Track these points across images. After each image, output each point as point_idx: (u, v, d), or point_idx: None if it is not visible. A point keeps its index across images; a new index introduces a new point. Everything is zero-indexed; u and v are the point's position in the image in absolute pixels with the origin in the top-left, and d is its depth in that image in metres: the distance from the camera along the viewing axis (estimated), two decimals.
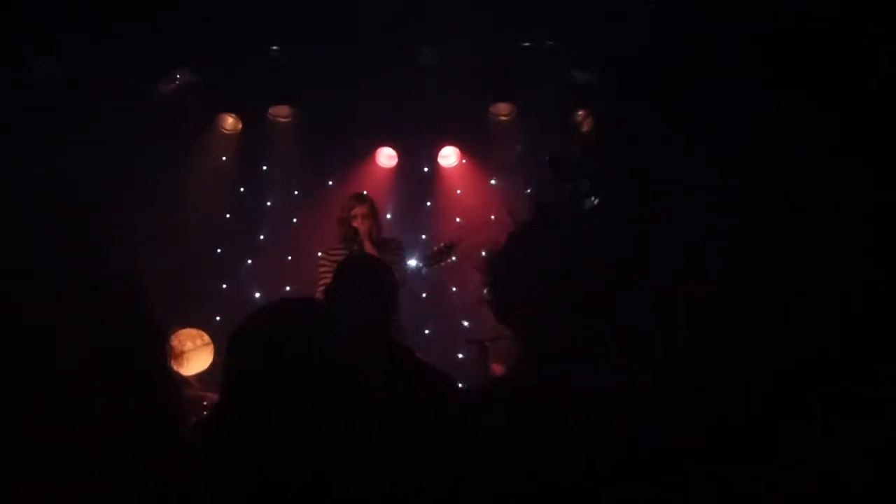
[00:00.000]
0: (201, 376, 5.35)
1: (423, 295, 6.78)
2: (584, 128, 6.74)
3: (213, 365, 5.68)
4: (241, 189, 7.04)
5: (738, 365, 1.30)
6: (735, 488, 1.28)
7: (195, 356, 5.63)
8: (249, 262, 6.97)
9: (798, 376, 1.28)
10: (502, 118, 6.86)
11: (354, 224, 5.26)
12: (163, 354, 1.75)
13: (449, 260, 5.49)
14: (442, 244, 5.61)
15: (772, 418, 1.27)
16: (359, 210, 5.30)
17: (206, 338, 5.83)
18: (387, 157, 7.02)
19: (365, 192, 5.67)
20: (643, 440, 1.32)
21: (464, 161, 7.08)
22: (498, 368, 4.61)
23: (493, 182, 7.05)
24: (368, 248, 5.21)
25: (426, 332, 6.65)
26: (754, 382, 1.29)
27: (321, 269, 5.28)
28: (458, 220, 7.01)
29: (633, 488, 1.32)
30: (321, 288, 4.94)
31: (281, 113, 6.83)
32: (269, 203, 7.09)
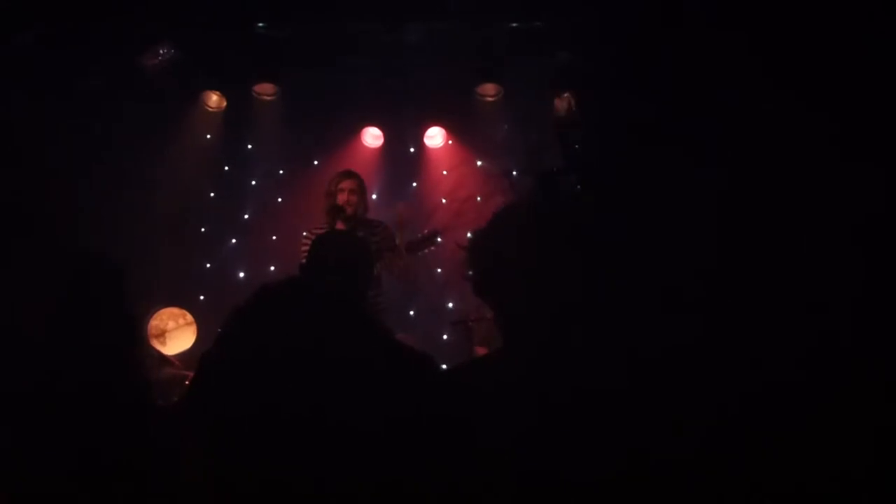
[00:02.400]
0: (184, 355, 5.33)
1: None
2: (562, 110, 6.72)
3: (195, 344, 5.66)
4: (226, 168, 6.99)
5: (724, 357, 1.29)
6: (729, 484, 1.27)
7: (178, 335, 5.62)
8: (234, 241, 6.94)
9: (792, 372, 1.27)
10: (489, 99, 6.83)
11: (340, 197, 5.23)
12: (139, 334, 1.73)
13: (432, 248, 5.46)
14: (426, 231, 5.58)
15: (763, 412, 1.27)
16: (346, 184, 5.28)
17: (189, 317, 5.81)
18: (372, 136, 6.99)
19: (353, 170, 5.64)
20: (624, 427, 1.31)
21: (450, 142, 7.05)
22: (481, 350, 4.62)
23: (479, 163, 7.03)
24: (343, 224, 5.20)
25: (411, 313, 6.65)
26: (742, 373, 1.28)
27: (303, 248, 5.27)
28: (443, 200, 6.99)
29: (617, 472, 1.32)
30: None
31: (266, 91, 6.78)
32: (253, 182, 7.04)
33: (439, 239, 5.39)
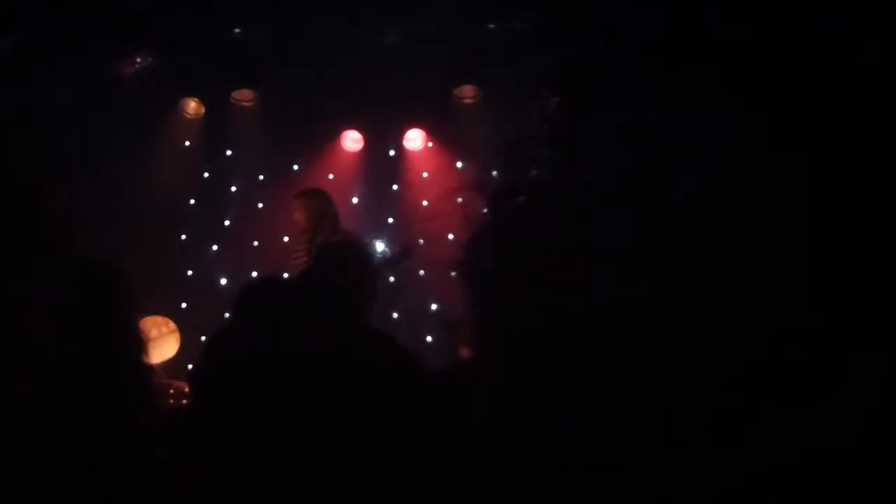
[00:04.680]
0: (167, 364, 5.31)
1: (391, 279, 6.77)
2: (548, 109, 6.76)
3: (179, 352, 5.64)
4: (206, 174, 6.96)
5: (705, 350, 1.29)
6: (725, 484, 1.27)
7: (161, 344, 5.59)
8: (215, 248, 6.91)
9: (789, 371, 1.28)
10: (467, 101, 6.85)
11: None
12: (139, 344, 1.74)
13: (406, 260, 5.55)
14: (396, 250, 5.65)
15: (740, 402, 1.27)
16: (293, 206, 5.41)
17: (172, 325, 5.78)
18: (352, 140, 6.99)
19: (307, 189, 5.69)
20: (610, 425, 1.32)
21: (430, 144, 7.06)
22: (466, 351, 4.63)
23: (459, 165, 7.05)
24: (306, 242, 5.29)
25: (394, 315, 6.65)
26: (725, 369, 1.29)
27: (294, 259, 5.34)
28: (424, 202, 7.00)
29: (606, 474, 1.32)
30: (296, 270, 5.01)
31: (244, 97, 6.77)
32: (233, 188, 7.02)
33: (410, 255, 5.46)
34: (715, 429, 1.28)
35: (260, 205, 6.96)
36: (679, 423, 1.30)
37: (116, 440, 1.56)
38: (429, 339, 6.34)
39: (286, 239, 5.60)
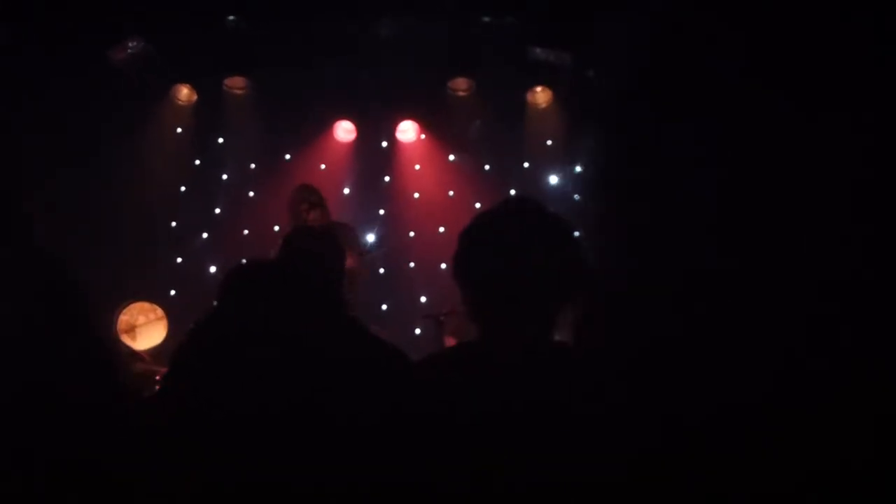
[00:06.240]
0: (154, 350, 5.30)
1: (381, 270, 6.77)
2: (542, 104, 6.79)
3: (166, 339, 5.63)
4: (197, 162, 6.93)
5: (719, 358, 1.29)
6: (726, 485, 1.28)
7: (148, 330, 5.58)
8: (205, 235, 6.89)
9: (791, 371, 1.28)
10: (460, 93, 6.84)
11: (308, 217, 5.30)
12: (96, 331, 1.71)
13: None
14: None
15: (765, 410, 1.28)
16: (311, 200, 5.35)
17: (160, 312, 5.76)
18: (345, 131, 6.97)
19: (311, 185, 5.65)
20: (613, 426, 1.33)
21: (422, 136, 7.05)
22: (451, 342, 4.63)
23: (451, 157, 7.04)
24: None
25: (383, 307, 6.65)
26: (736, 376, 1.29)
27: None
28: (416, 195, 7.00)
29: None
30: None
31: (237, 84, 6.74)
32: (224, 176, 6.99)
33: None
34: (721, 431, 1.28)
35: (250, 193, 6.94)
36: (680, 426, 1.30)
37: (91, 440, 1.55)
38: (417, 331, 6.34)
39: (277, 228, 5.58)
